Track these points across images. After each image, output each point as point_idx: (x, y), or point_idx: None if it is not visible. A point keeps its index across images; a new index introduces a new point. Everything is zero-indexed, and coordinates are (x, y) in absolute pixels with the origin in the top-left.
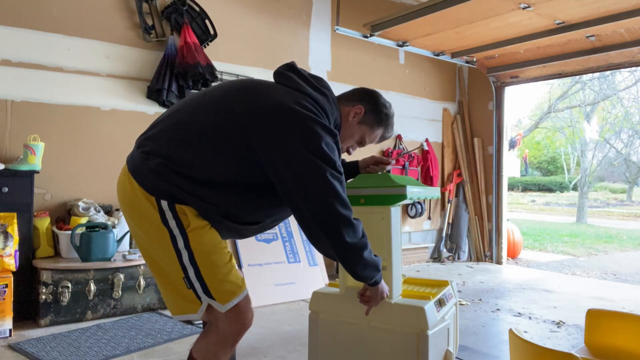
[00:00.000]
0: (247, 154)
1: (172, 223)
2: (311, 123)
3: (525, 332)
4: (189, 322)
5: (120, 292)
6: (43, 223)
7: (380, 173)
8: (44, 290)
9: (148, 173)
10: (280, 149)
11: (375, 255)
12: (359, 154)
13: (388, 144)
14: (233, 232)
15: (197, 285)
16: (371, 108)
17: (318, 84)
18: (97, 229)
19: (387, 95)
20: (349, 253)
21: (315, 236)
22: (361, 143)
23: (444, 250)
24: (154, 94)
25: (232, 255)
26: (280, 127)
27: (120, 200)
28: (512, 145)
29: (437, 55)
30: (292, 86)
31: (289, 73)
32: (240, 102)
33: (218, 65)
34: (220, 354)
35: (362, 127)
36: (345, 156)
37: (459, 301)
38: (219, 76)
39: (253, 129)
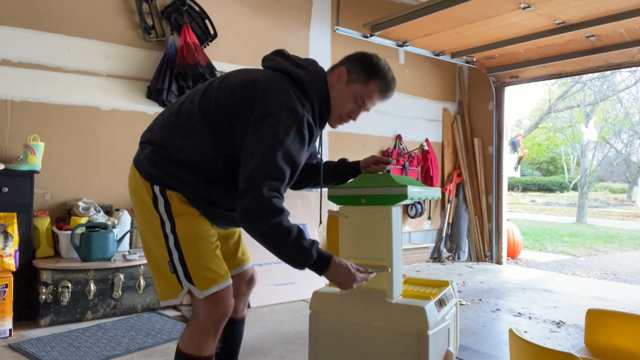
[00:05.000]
0: (222, 130)
1: (162, 208)
2: (281, 103)
3: (525, 332)
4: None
5: (120, 292)
6: (43, 223)
7: (380, 173)
8: (44, 290)
9: (144, 160)
10: (249, 118)
11: (303, 242)
12: (359, 155)
13: (388, 143)
14: (225, 220)
15: (179, 269)
16: (355, 65)
17: (301, 61)
18: (97, 229)
19: None
20: (255, 235)
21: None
22: (361, 105)
23: (444, 250)
24: (154, 94)
25: (219, 247)
26: (249, 100)
27: (129, 190)
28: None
29: (437, 55)
30: (274, 67)
31: (275, 57)
32: (220, 82)
33: (218, 65)
34: (202, 342)
35: (352, 87)
36: (348, 154)
37: (459, 301)
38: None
39: (226, 101)
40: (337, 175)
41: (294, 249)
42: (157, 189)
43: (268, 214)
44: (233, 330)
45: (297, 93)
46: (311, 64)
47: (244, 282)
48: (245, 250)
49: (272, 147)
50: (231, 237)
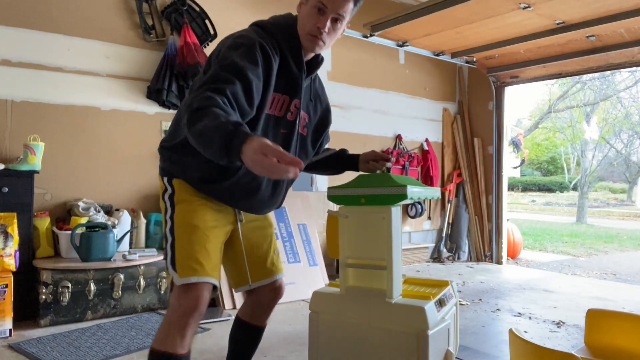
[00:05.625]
0: None
1: (167, 196)
2: (233, 37)
3: (525, 332)
4: None
5: (120, 292)
6: (43, 223)
7: (378, 172)
8: (44, 290)
9: (160, 158)
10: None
11: (219, 123)
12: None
13: (388, 143)
14: (230, 195)
15: (169, 254)
16: None
17: (272, 17)
18: (97, 229)
19: (387, 95)
20: (190, 135)
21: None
22: (322, 9)
23: (444, 250)
24: (154, 94)
25: (217, 243)
26: (213, 53)
27: None
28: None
29: (437, 55)
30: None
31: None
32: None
33: None
34: (166, 336)
35: (308, 1)
36: (349, 145)
37: (459, 301)
38: None
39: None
40: (335, 162)
41: (214, 129)
42: (165, 180)
43: (199, 100)
44: (250, 334)
45: (259, 33)
46: (281, 16)
47: (269, 291)
48: (275, 261)
49: (218, 64)
50: (260, 246)
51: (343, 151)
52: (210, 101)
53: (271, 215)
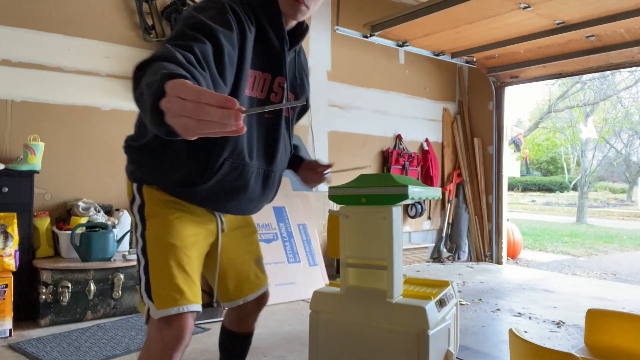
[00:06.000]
0: None
1: (136, 208)
2: (205, 2)
3: (525, 332)
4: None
5: (120, 292)
6: (43, 223)
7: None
8: (44, 290)
9: (127, 159)
10: None
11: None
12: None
13: (388, 143)
14: (210, 198)
15: (143, 279)
16: None
17: None
18: (97, 229)
19: (387, 95)
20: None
21: None
22: None
23: (444, 250)
24: None
25: (197, 261)
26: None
27: None
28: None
29: (437, 55)
30: None
31: None
32: None
33: None
34: None
35: None
36: (348, 153)
37: (459, 301)
38: None
39: None
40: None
41: (148, 86)
42: (135, 187)
43: (147, 58)
44: (240, 342)
45: (229, 3)
46: None
47: (254, 301)
48: (258, 272)
49: (182, 23)
50: (242, 259)
51: (296, 152)
52: (163, 54)
53: (271, 215)
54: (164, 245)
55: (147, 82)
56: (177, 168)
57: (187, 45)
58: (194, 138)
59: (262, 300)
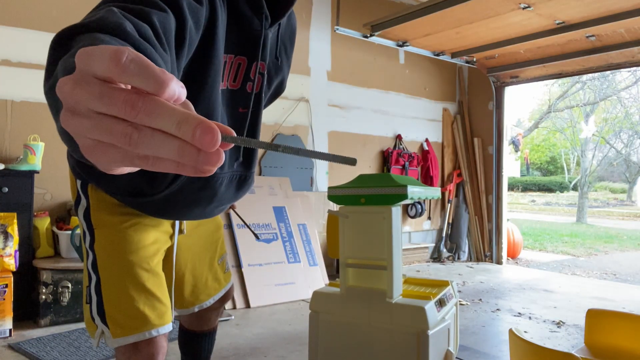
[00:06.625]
0: None
1: (81, 211)
2: None
3: (525, 332)
4: None
5: None
6: (43, 223)
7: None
8: (44, 290)
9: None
10: None
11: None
12: (359, 155)
13: (388, 143)
14: (167, 209)
15: (94, 300)
16: None
17: None
18: None
19: (387, 95)
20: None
21: None
22: None
23: (444, 250)
24: None
25: (162, 276)
26: None
27: None
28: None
29: (437, 55)
30: None
31: None
32: None
33: None
34: None
35: None
36: (348, 153)
37: (459, 301)
38: None
39: None
40: None
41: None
42: (79, 185)
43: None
44: (199, 342)
45: None
46: None
47: (216, 302)
48: (220, 273)
49: None
50: (203, 260)
51: None
52: (102, 20)
53: (271, 215)
54: (118, 262)
55: (64, 66)
56: (120, 174)
57: (141, 11)
58: (123, 172)
59: (223, 299)
